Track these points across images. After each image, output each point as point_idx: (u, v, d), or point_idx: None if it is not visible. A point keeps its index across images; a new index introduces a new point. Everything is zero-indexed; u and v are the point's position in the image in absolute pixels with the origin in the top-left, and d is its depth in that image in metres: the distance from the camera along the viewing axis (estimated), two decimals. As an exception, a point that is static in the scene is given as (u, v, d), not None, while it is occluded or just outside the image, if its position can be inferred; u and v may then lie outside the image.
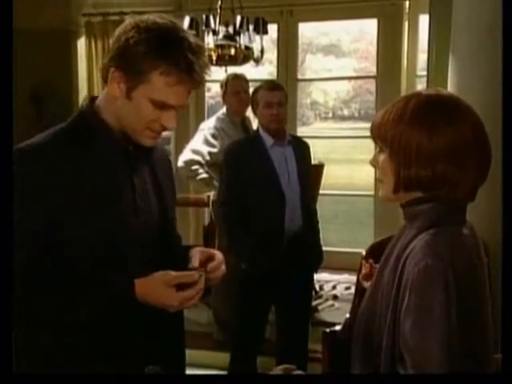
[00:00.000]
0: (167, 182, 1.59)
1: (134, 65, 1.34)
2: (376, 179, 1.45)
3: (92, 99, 1.47)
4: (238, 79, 4.07)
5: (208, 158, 3.92)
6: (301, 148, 3.18)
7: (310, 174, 3.32)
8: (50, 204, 1.31)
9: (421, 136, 1.28)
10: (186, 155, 3.99)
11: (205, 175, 3.92)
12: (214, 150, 3.89)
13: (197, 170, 3.93)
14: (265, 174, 3.00)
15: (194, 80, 1.36)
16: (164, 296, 1.36)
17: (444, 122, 1.29)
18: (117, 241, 1.39)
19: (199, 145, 3.97)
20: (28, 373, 1.39)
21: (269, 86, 3.08)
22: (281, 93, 3.05)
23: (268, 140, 3.04)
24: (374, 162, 1.41)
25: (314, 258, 3.21)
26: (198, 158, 3.93)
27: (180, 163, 4.01)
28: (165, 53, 1.33)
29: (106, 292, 1.36)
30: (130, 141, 1.44)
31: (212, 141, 3.95)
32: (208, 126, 4.07)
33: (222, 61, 4.24)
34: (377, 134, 1.37)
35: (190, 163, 3.94)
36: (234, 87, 4.00)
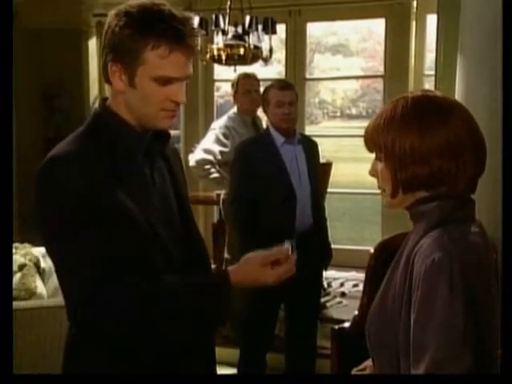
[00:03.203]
0: (181, 175, 1.61)
1: (126, 51, 1.34)
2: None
3: (104, 100, 1.47)
4: (249, 78, 4.09)
5: (220, 157, 3.93)
6: (310, 147, 3.21)
7: (319, 172, 3.35)
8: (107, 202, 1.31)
9: (413, 137, 1.30)
10: (197, 155, 4.02)
11: (217, 174, 3.95)
12: (226, 150, 3.92)
13: (209, 169, 3.95)
14: (276, 172, 3.02)
15: (186, 45, 1.35)
16: (261, 276, 1.42)
17: (434, 121, 1.30)
18: (157, 230, 1.40)
19: (211, 144, 3.99)
20: (28, 373, 1.40)
21: (280, 85, 3.09)
22: (292, 92, 3.07)
23: (278, 139, 3.06)
24: (373, 172, 1.41)
25: (324, 255, 3.24)
26: (209, 157, 3.95)
27: (192, 163, 4.04)
28: (149, 27, 1.33)
29: (204, 292, 1.37)
30: (150, 131, 1.44)
31: (223, 140, 3.97)
32: (219, 125, 4.09)
33: (231, 60, 4.28)
34: (371, 142, 1.38)
35: (202, 163, 3.97)
36: (245, 86, 4.02)
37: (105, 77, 1.42)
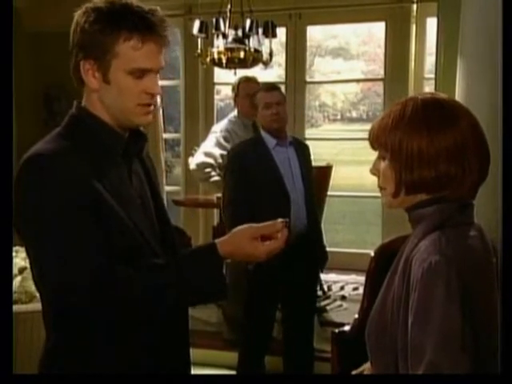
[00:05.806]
0: (155, 178, 1.61)
1: (97, 46, 1.34)
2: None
3: (79, 102, 1.45)
4: (250, 82, 4.10)
5: (220, 160, 3.95)
6: (302, 149, 3.23)
7: (312, 174, 3.34)
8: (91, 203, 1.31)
9: (421, 139, 1.30)
10: (198, 158, 4.02)
11: (217, 178, 3.95)
12: (226, 153, 3.93)
13: (209, 172, 3.96)
14: (269, 174, 3.03)
15: (158, 35, 1.36)
16: (251, 249, 1.41)
17: (443, 124, 1.30)
18: (141, 228, 1.41)
19: (211, 147, 4.01)
20: (28, 373, 1.37)
21: (266, 87, 3.19)
22: (278, 93, 3.13)
23: (270, 141, 3.08)
24: (374, 171, 1.41)
25: (319, 257, 3.24)
26: (210, 160, 3.96)
27: (193, 166, 4.05)
28: (120, 21, 1.33)
29: (193, 264, 1.38)
30: (127, 129, 1.43)
31: (224, 143, 3.98)
32: (220, 128, 4.11)
33: (232, 63, 4.28)
34: (376, 141, 1.38)
35: (202, 166, 3.98)
36: (246, 90, 4.01)
37: (76, 77, 1.40)
